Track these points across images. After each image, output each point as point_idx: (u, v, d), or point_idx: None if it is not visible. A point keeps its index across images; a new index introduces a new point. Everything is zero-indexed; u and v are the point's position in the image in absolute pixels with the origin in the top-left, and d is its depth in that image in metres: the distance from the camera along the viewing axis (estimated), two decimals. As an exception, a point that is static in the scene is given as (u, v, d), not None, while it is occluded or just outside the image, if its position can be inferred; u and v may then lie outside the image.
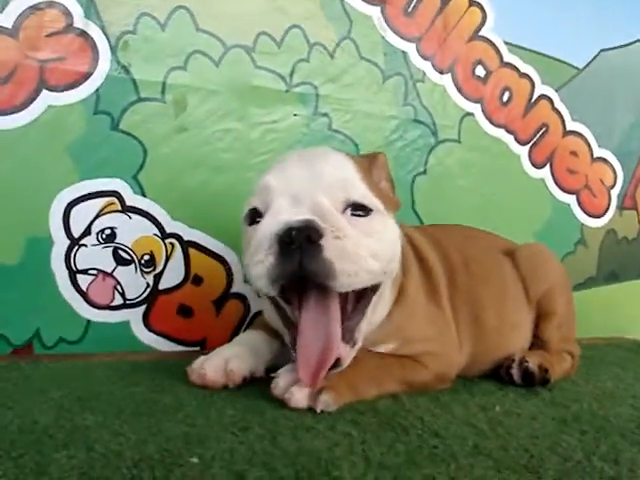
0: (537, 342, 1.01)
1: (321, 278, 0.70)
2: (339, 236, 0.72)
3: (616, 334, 1.40)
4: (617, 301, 1.43)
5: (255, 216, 0.77)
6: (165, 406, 0.72)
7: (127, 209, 1.01)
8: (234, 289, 1.08)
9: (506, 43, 1.27)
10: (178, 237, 1.04)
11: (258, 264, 0.72)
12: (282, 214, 0.73)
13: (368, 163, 0.82)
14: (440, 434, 0.67)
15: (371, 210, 0.77)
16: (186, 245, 1.04)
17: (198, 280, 1.05)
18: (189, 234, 1.05)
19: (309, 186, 0.75)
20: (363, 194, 0.77)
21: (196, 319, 1.06)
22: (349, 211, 0.76)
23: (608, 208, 1.42)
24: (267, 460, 0.57)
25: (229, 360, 0.79)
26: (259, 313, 1.09)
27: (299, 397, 0.72)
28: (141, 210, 1.02)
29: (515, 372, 0.93)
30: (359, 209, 0.76)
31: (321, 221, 0.72)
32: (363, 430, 0.67)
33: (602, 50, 1.38)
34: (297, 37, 1.09)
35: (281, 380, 0.75)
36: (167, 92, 1.02)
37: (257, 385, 0.80)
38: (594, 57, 1.38)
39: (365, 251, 0.74)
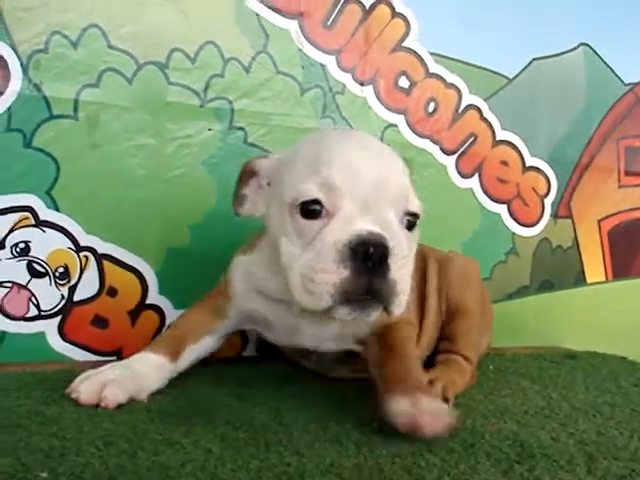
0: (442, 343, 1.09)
1: (384, 298, 0.75)
2: (400, 254, 0.76)
3: (550, 343, 1.47)
4: (551, 310, 1.51)
5: (315, 209, 0.77)
6: (45, 418, 0.80)
7: (41, 223, 1.09)
8: (149, 300, 1.17)
9: (432, 54, 1.34)
10: (92, 250, 1.13)
11: (324, 273, 0.73)
12: (352, 222, 0.75)
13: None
14: (301, 452, 0.74)
15: (417, 221, 0.83)
16: (100, 258, 1.13)
17: (113, 292, 1.14)
18: (103, 247, 1.13)
19: (377, 194, 0.77)
20: (418, 204, 0.82)
21: (112, 329, 1.15)
22: (404, 223, 0.80)
23: (541, 217, 1.49)
24: (115, 475, 0.65)
25: (106, 385, 0.84)
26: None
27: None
28: (55, 224, 1.10)
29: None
30: (412, 221, 0.82)
31: (388, 237, 0.75)
32: (227, 446, 0.75)
33: (534, 59, 1.45)
34: (211, 52, 1.17)
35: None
36: (80, 109, 1.10)
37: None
38: (525, 66, 1.45)
39: (409, 274, 0.79)
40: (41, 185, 1.09)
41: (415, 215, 0.82)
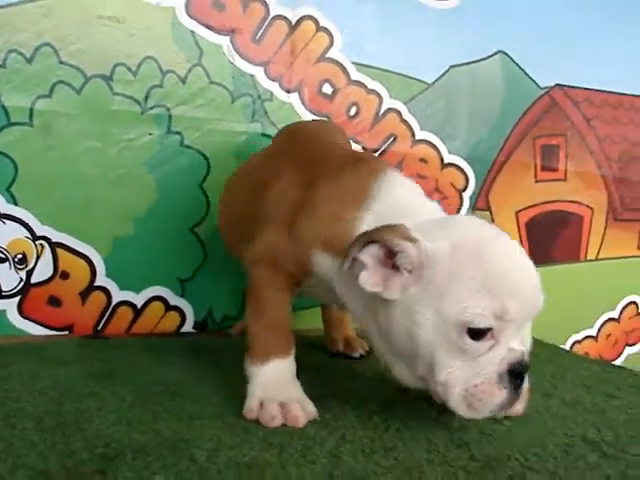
0: None
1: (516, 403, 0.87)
2: None
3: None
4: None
5: (484, 332, 0.83)
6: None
7: (2, 216, 1.31)
8: (97, 282, 1.39)
9: (354, 63, 1.56)
10: (47, 239, 1.35)
11: (489, 396, 0.83)
12: (511, 344, 0.84)
13: None
14: (199, 402, 0.96)
15: None
16: (54, 246, 1.35)
17: (65, 275, 1.36)
18: (57, 236, 1.35)
19: (533, 314, 0.87)
20: None
21: (64, 308, 1.37)
22: None
23: (460, 209, 1.71)
24: (41, 416, 0.86)
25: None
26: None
27: None
28: (14, 217, 1.32)
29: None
30: None
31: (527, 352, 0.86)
32: (139, 396, 0.98)
33: (452, 66, 1.66)
34: (151, 66, 1.39)
35: None
36: (35, 117, 1.32)
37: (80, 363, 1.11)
38: (444, 73, 1.66)
39: None
40: (1, 183, 1.31)
41: None
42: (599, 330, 1.95)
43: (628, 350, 2.01)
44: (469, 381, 0.84)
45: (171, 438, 0.82)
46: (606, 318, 1.96)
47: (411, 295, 0.86)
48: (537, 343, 1.52)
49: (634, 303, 1.99)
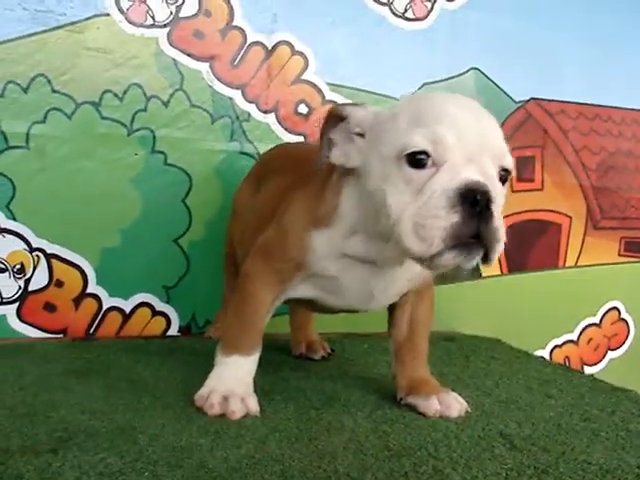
0: None
1: (488, 243, 0.84)
2: (499, 205, 0.86)
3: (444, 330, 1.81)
4: (446, 300, 1.82)
5: (422, 159, 0.86)
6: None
7: (2, 230, 1.50)
8: (89, 290, 1.57)
9: (328, 84, 1.71)
10: (43, 251, 1.53)
11: (435, 219, 0.83)
12: (459, 172, 0.84)
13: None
14: (157, 395, 1.14)
15: (509, 178, 0.93)
16: (49, 257, 1.53)
17: (60, 283, 1.55)
18: (51, 248, 1.54)
19: (480, 149, 0.87)
20: (511, 161, 0.92)
21: (59, 313, 1.56)
22: (498, 177, 0.89)
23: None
24: (16, 406, 1.03)
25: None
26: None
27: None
28: (13, 231, 1.51)
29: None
30: (505, 176, 0.92)
31: (490, 187, 0.85)
32: (106, 390, 1.14)
33: (425, 84, 1.80)
34: (136, 92, 1.56)
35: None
36: (30, 141, 1.50)
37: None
38: (417, 89, 1.79)
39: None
40: (1, 200, 1.50)
41: (507, 171, 0.92)
42: (580, 335, 2.06)
43: (610, 355, 2.12)
44: (418, 212, 0.85)
45: (122, 425, 0.98)
46: (587, 323, 2.07)
47: (366, 157, 0.95)
48: (500, 346, 1.66)
49: (616, 309, 2.10)
